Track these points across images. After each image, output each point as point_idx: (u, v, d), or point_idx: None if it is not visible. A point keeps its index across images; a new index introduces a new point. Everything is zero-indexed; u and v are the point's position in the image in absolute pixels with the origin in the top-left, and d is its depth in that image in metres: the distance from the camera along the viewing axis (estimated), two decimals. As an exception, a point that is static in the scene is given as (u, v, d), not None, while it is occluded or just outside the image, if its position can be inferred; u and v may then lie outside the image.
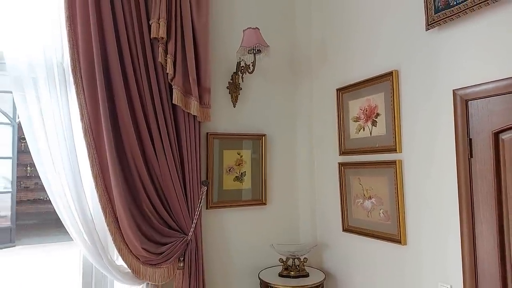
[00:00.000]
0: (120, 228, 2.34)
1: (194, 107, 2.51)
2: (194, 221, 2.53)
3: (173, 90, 2.46)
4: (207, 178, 2.71)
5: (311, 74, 3.09)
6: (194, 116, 2.56)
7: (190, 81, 2.51)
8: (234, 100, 2.87)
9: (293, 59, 3.15)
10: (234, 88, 2.87)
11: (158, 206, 2.43)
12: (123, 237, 2.34)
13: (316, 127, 3.04)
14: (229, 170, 2.81)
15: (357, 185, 2.55)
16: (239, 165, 2.85)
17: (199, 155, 2.61)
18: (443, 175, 1.97)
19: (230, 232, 2.80)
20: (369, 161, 2.44)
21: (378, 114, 2.38)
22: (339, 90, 2.72)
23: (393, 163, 2.24)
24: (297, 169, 3.10)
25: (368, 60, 2.49)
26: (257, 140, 2.92)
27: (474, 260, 1.79)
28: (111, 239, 2.32)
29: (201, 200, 2.59)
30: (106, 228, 2.32)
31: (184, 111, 2.53)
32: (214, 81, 2.80)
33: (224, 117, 2.84)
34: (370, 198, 2.44)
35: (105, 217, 2.31)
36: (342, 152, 2.68)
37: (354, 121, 2.58)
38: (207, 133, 2.73)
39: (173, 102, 2.45)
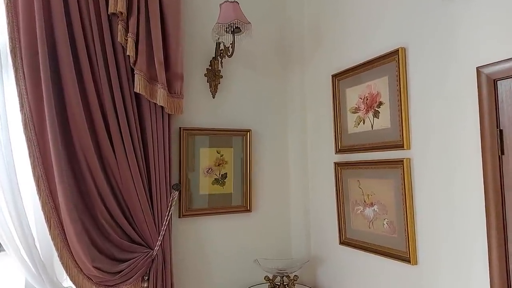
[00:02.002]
0: (68, 242, 1.93)
1: (160, 96, 2.10)
2: (162, 232, 2.12)
3: (135, 75, 2.06)
4: (179, 181, 2.30)
5: (303, 59, 2.67)
6: (162, 107, 2.15)
7: (156, 64, 2.11)
8: (213, 90, 2.46)
9: (282, 41, 2.73)
10: (213, 76, 2.46)
11: (117, 215, 2.03)
12: (72, 253, 1.94)
13: (309, 121, 2.62)
14: (207, 171, 2.40)
15: (356, 189, 2.13)
16: (219, 165, 2.44)
17: (170, 154, 2.21)
18: (465, 178, 1.54)
19: (207, 245, 2.39)
20: (371, 160, 2.01)
21: (380, 103, 1.95)
22: (334, 77, 2.29)
23: (399, 162, 1.82)
24: (287, 170, 2.68)
25: (369, 38, 2.07)
26: (241, 136, 2.51)
27: (507, 290, 1.36)
28: (57, 255, 1.92)
29: (171, 207, 2.18)
30: (52, 242, 1.91)
31: (150, 101, 2.13)
32: (189, 66, 2.40)
33: (201, 110, 2.43)
34: (371, 205, 2.01)
35: (50, 229, 1.90)
36: (339, 150, 2.26)
37: (353, 112, 2.16)
38: (180, 128, 2.32)
39: (135, 90, 2.05)
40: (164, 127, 2.19)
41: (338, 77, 2.27)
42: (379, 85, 1.96)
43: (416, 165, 1.77)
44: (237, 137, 2.50)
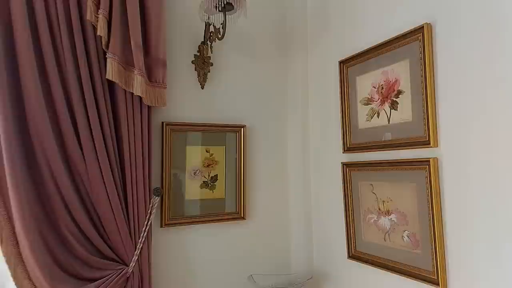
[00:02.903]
0: (23, 259, 1.60)
1: (138, 85, 1.77)
2: (139, 245, 1.80)
3: (107, 60, 1.73)
4: (161, 185, 1.97)
5: (306, 43, 2.34)
6: (141, 98, 1.83)
7: (132, 47, 1.78)
8: (202, 79, 2.14)
9: (283, 22, 2.41)
10: (201, 63, 2.14)
11: (85, 226, 1.70)
12: (28, 272, 1.60)
13: (312, 115, 2.29)
14: (195, 173, 2.07)
15: (368, 195, 1.81)
16: (208, 166, 2.11)
17: (150, 154, 1.88)
18: (511, 182, 1.22)
19: (193, 259, 2.06)
20: (387, 160, 1.69)
21: (400, 92, 1.63)
22: (342, 63, 1.97)
23: (425, 162, 1.50)
24: (287, 172, 2.36)
25: (386, 15, 1.75)
26: (234, 133, 2.18)
27: None
28: (10, 274, 1.59)
29: (150, 215, 1.85)
30: (3, 259, 1.58)
31: (126, 91, 1.80)
32: (173, 52, 2.07)
33: (188, 102, 2.10)
34: (388, 213, 1.69)
35: (1, 244, 1.58)
36: (347, 149, 1.94)
37: (364, 104, 1.84)
38: (163, 123, 1.99)
39: (107, 76, 1.72)
40: (143, 121, 1.86)
41: (347, 64, 1.95)
42: (398, 71, 1.64)
43: (445, 166, 1.45)
44: (230, 134, 2.17)
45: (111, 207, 1.73)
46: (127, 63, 1.80)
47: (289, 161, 2.36)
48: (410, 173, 1.57)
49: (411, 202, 1.57)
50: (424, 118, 1.50)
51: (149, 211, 1.86)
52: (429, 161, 1.48)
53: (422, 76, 1.51)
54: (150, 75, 1.90)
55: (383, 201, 1.72)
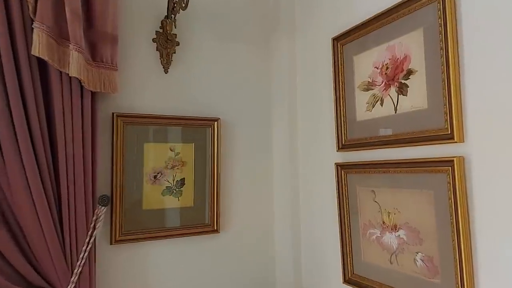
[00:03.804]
0: None
1: (73, 63, 1.38)
2: (78, 269, 1.41)
3: (34, 31, 1.34)
4: (111, 192, 1.58)
5: (293, 21, 1.96)
6: (80, 81, 1.44)
7: (67, 14, 1.38)
8: (166, 62, 1.75)
9: None
10: (164, 42, 1.75)
11: (4, 245, 1.30)
12: None
13: (301, 105, 1.91)
14: (155, 176, 1.68)
15: (369, 204, 1.43)
16: (173, 168, 1.72)
17: (94, 152, 1.50)
18: None
19: (154, 282, 1.67)
20: (394, 160, 1.32)
21: (410, 72, 1.26)
22: (336, 41, 1.60)
23: (446, 163, 1.13)
24: (270, 174, 1.98)
25: (390, -23, 1.37)
26: (205, 127, 1.80)
27: None
28: None
29: (93, 230, 1.46)
30: None
31: (62, 73, 1.41)
32: (128, 26, 1.69)
33: (148, 88, 1.71)
34: (395, 229, 1.32)
35: None
36: (342, 146, 1.56)
37: (364, 89, 1.46)
38: (113, 113, 1.60)
39: (32, 52, 1.33)
40: (85, 111, 1.47)
41: (342, 41, 1.57)
42: (408, 44, 1.27)
43: (475, 167, 1.08)
44: (200, 129, 1.79)
45: (39, 221, 1.34)
46: (61, 36, 1.40)
47: (273, 161, 1.98)
48: (426, 176, 1.20)
49: (426, 215, 1.20)
50: (445, 105, 1.13)
51: (91, 225, 1.47)
52: (452, 160, 1.10)
53: (442, 48, 1.14)
54: (94, 53, 1.51)
55: (389, 213, 1.35)
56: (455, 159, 1.10)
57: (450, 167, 1.11)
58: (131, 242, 1.61)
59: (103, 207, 1.51)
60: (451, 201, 1.11)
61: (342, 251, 1.55)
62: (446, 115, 1.13)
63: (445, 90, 1.13)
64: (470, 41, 1.09)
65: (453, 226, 1.10)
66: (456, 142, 1.10)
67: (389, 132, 1.34)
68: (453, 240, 1.11)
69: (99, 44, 1.52)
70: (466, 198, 1.09)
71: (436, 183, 1.16)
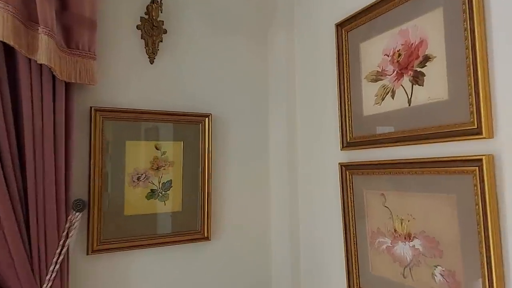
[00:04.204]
0: None
1: (44, 49, 1.21)
2: (47, 284, 1.23)
3: (-4, 11, 1.17)
4: (88, 195, 1.41)
5: (292, 7, 1.79)
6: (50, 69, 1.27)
7: (35, -7, 1.22)
8: (152, 51, 1.58)
9: (262, -12, 1.87)
10: (150, 29, 1.58)
11: (-42, 257, 1.13)
12: None
13: (301, 99, 1.75)
14: (139, 178, 1.51)
15: (379, 210, 1.27)
16: (158, 168, 1.55)
17: (67, 151, 1.33)
18: None
19: (136, 297, 1.50)
20: (408, 159, 1.16)
21: (427, 58, 1.10)
22: (340, 27, 1.44)
23: (472, 163, 0.97)
24: (267, 175, 1.81)
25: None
26: (195, 123, 1.63)
27: None
28: None
29: (66, 239, 1.29)
30: None
31: (32, 61, 1.24)
32: (110, 10, 1.52)
33: (131, 80, 1.55)
34: (409, 238, 1.15)
35: None
36: (348, 144, 1.40)
37: (372, 80, 1.30)
38: (91, 107, 1.43)
39: (-5, 35, 1.15)
40: (57, 104, 1.30)
41: (346, 26, 1.41)
42: (425, 27, 1.11)
43: (506, 166, 0.92)
44: (190, 126, 1.62)
45: (1, 228, 1.16)
46: (29, 18, 1.23)
47: (270, 162, 1.81)
48: (447, 178, 1.04)
49: (447, 222, 1.04)
50: (470, 95, 0.97)
51: (64, 234, 1.29)
52: (480, 159, 0.94)
53: (466, 29, 0.98)
54: (68, 38, 1.34)
55: (402, 220, 1.18)
56: (483, 157, 0.93)
57: (477, 167, 0.95)
58: (111, 251, 1.44)
59: (77, 213, 1.34)
60: (479, 207, 0.95)
61: (347, 263, 1.38)
62: (472, 106, 0.97)
63: (471, 78, 0.97)
64: (500, 19, 0.93)
65: (481, 236, 0.94)
66: (484, 137, 0.94)
67: (401, 127, 1.18)
68: (480, 253, 0.95)
69: (74, 28, 1.35)
70: (497, 204, 0.93)
71: (460, 186, 1.00)
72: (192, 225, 1.60)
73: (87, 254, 1.39)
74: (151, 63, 1.58)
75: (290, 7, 1.78)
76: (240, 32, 1.79)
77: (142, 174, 1.51)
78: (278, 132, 1.78)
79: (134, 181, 1.50)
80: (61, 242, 1.28)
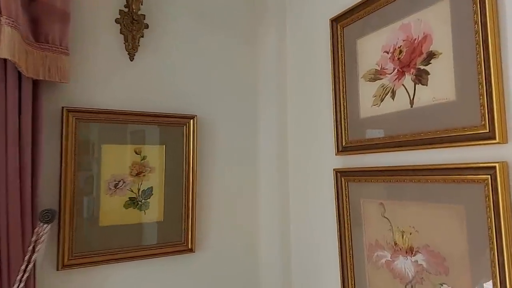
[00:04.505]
0: None
1: (6, 42, 1.08)
2: (9, 305, 1.10)
3: (-50, -2, 1.04)
4: (59, 205, 1.28)
5: (283, 2, 1.69)
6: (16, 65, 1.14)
7: (-6, -21, 1.09)
8: (132, 47, 1.46)
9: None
10: (130, 23, 1.46)
11: None
12: None
13: (293, 100, 1.64)
14: (116, 185, 1.38)
15: (378, 220, 1.16)
16: (138, 175, 1.43)
17: (35, 156, 1.20)
18: None
19: (112, 316, 1.37)
20: (409, 165, 1.06)
21: (432, 55, 1.00)
22: (335, 22, 1.34)
23: (484, 170, 0.87)
24: (256, 182, 1.70)
25: None
26: (179, 126, 1.51)
27: None
28: None
29: (33, 253, 1.16)
30: None
31: (-7, 55, 1.11)
32: (85, 3, 1.39)
33: (109, 79, 1.42)
34: (411, 252, 1.05)
35: None
36: (343, 149, 1.30)
37: (371, 79, 1.20)
38: (63, 108, 1.30)
39: None
40: (23, 104, 1.18)
41: (342, 22, 1.31)
42: (429, 20, 1.01)
43: (523, 176, 0.82)
44: (173, 128, 1.50)
45: (-45, 244, 1.03)
46: (-15, 6, 1.10)
47: (259, 167, 1.70)
48: (454, 187, 0.94)
49: (454, 236, 0.94)
50: (481, 95, 0.87)
51: (30, 248, 1.16)
52: (493, 167, 0.84)
53: (477, 22, 0.88)
54: (37, 31, 1.22)
55: (403, 232, 1.08)
56: (497, 165, 0.84)
57: (489, 176, 0.85)
58: (85, 266, 1.30)
59: (46, 225, 1.21)
60: (491, 221, 0.85)
61: (342, 278, 1.27)
62: (484, 108, 0.87)
63: (482, 76, 0.87)
64: (515, 11, 0.84)
65: (494, 252, 0.84)
66: (497, 142, 0.84)
67: (403, 131, 1.08)
68: (493, 272, 0.85)
69: (43, 20, 1.22)
70: (511, 214, 0.83)
71: (470, 196, 0.90)
72: (175, 236, 1.47)
73: (57, 269, 1.26)
74: (131, 60, 1.46)
75: (282, 1, 1.68)
76: (228, 28, 1.68)
77: (120, 181, 1.39)
78: (268, 136, 1.67)
79: (110, 189, 1.37)
80: (26, 257, 1.15)
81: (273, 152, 1.65)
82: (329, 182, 1.36)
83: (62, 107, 1.30)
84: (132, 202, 1.41)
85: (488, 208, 0.86)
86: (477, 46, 0.88)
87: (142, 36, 1.48)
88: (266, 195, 1.66)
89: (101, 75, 1.40)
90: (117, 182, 1.38)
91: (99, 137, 1.36)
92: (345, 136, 1.29)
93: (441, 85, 0.98)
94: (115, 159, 1.38)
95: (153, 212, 1.44)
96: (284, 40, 1.66)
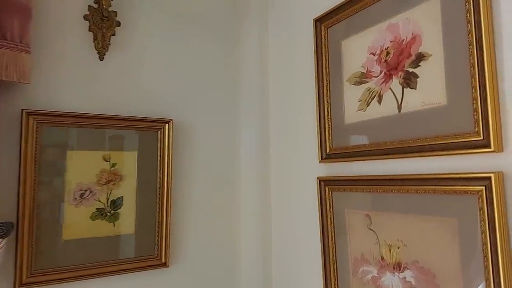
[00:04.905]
0: None
1: (-47, 36, 0.97)
2: (-47, 332, 0.97)
3: None
4: (17, 217, 1.16)
5: (265, 1, 1.62)
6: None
7: None
8: (101, 46, 1.36)
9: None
10: (99, 20, 1.36)
11: None
12: None
13: (275, 105, 1.56)
14: (82, 195, 1.27)
15: (363, 233, 1.09)
16: (107, 183, 1.32)
17: (-11, 162, 1.08)
18: None
19: (76, 338, 1.25)
20: (397, 175, 0.99)
21: (421, 57, 0.94)
22: (319, 22, 1.27)
23: (478, 181, 0.80)
24: (237, 190, 1.61)
25: None
26: (153, 131, 1.41)
27: None
28: None
29: (-17, 273, 1.04)
30: None
31: None
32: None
33: (76, 79, 1.31)
34: (399, 268, 0.98)
35: None
36: (327, 156, 1.22)
37: (356, 83, 1.13)
38: (23, 110, 1.19)
39: None
40: (-25, 105, 1.06)
41: (326, 22, 1.24)
42: (418, 20, 0.95)
43: (520, 188, 0.76)
44: (147, 133, 1.40)
45: None
46: None
47: (240, 175, 1.61)
48: (446, 199, 0.87)
49: (446, 251, 0.87)
50: (475, 100, 0.81)
51: (-21, 266, 1.04)
52: (488, 178, 0.78)
53: (469, 22, 0.82)
54: (-9, 25, 1.10)
55: (390, 246, 1.01)
56: (492, 175, 0.77)
57: (484, 187, 0.79)
58: (46, 284, 1.19)
59: (0, 239, 1.09)
60: (485, 236, 0.78)
61: (326, 293, 1.19)
62: (477, 113, 0.80)
63: (475, 79, 0.81)
64: (511, 8, 0.78)
65: (488, 270, 0.78)
66: (492, 151, 0.78)
67: (390, 137, 1.01)
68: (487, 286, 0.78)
69: (1, 15, 1.11)
70: (507, 229, 0.77)
71: (462, 208, 0.84)
72: (147, 249, 1.37)
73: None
74: (101, 60, 1.35)
75: (264, 0, 1.60)
76: (207, 28, 1.59)
77: (86, 190, 1.28)
78: (249, 142, 1.59)
79: (76, 199, 1.26)
80: (-25, 277, 1.03)
81: (254, 159, 1.56)
82: (313, 191, 1.28)
83: (22, 110, 1.18)
84: (100, 213, 1.30)
85: (482, 222, 0.79)
86: (470, 46, 0.82)
87: (114, 35, 1.38)
88: (246, 205, 1.57)
89: (67, 75, 1.29)
90: (83, 191, 1.27)
91: (63, 142, 1.25)
92: (329, 142, 1.22)
93: (431, 89, 0.91)
94: (81, 167, 1.27)
95: (124, 224, 1.33)
96: (266, 41, 1.58)
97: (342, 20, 1.18)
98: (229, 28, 1.64)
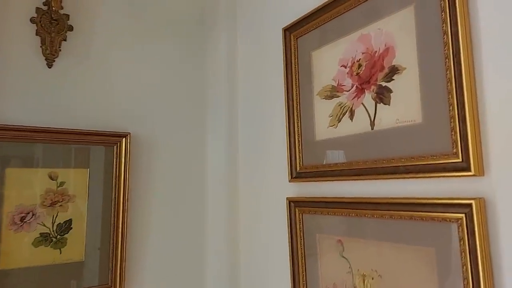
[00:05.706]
0: None
1: None
2: None
3: None
4: None
5: (234, 8, 1.53)
6: None
7: None
8: (50, 52, 1.23)
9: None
10: (48, 24, 1.23)
11: None
12: None
13: (243, 118, 1.47)
14: (22, 219, 1.13)
15: (335, 260, 1.00)
16: (53, 205, 1.18)
17: None
18: None
19: None
20: (372, 198, 0.91)
21: (394, 70, 0.87)
22: (288, 31, 1.19)
23: (457, 208, 0.72)
24: (203, 211, 1.49)
25: None
26: (108, 146, 1.28)
27: None
28: None
29: None
30: None
31: None
32: (-13, -3, 1.15)
33: (20, 88, 1.18)
34: (374, 300, 0.89)
35: None
36: (297, 175, 1.13)
37: (326, 96, 1.05)
38: (-47, 123, 1.04)
39: None
40: None
41: (296, 31, 1.16)
42: (391, 30, 0.88)
43: (502, 214, 0.68)
44: (101, 148, 1.27)
45: None
46: None
47: (207, 193, 1.50)
48: (423, 226, 0.79)
49: (424, 284, 0.78)
50: (452, 118, 0.74)
51: None
52: (469, 204, 0.70)
53: (446, 33, 0.75)
54: None
55: (364, 276, 0.92)
56: (473, 202, 0.69)
57: (464, 215, 0.71)
58: (-25, 323, 1.03)
59: None
60: (466, 269, 0.71)
61: (296, 327, 1.09)
62: (455, 133, 0.73)
63: (453, 96, 0.74)
64: (490, 19, 0.72)
65: (470, 307, 0.69)
66: (473, 175, 0.70)
67: (363, 157, 0.93)
68: (470, 331, 0.70)
69: None
70: (491, 261, 0.69)
71: (441, 237, 0.76)
72: (98, 278, 1.23)
73: None
74: (49, 67, 1.22)
75: (232, 7, 1.52)
76: (172, 35, 1.49)
77: (28, 213, 1.13)
78: (216, 158, 1.48)
79: (16, 223, 1.11)
80: None
81: (222, 177, 1.45)
82: (283, 213, 1.18)
83: (-49, 122, 1.04)
84: (44, 239, 1.15)
85: (463, 254, 0.71)
86: (447, 60, 0.75)
87: (65, 40, 1.25)
88: (213, 226, 1.46)
89: (10, 83, 1.16)
90: (24, 214, 1.13)
91: (2, 159, 1.11)
92: (300, 160, 1.13)
93: (406, 105, 0.84)
94: (23, 186, 1.13)
95: (72, 250, 1.19)
96: (235, 49, 1.49)
97: (312, 30, 1.10)
98: (196, 36, 1.55)
